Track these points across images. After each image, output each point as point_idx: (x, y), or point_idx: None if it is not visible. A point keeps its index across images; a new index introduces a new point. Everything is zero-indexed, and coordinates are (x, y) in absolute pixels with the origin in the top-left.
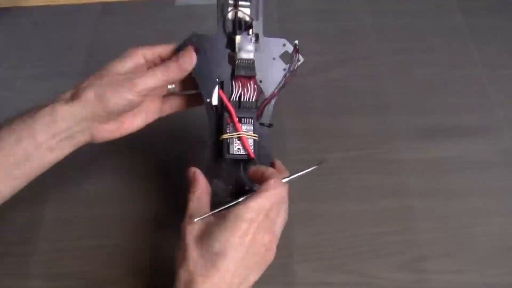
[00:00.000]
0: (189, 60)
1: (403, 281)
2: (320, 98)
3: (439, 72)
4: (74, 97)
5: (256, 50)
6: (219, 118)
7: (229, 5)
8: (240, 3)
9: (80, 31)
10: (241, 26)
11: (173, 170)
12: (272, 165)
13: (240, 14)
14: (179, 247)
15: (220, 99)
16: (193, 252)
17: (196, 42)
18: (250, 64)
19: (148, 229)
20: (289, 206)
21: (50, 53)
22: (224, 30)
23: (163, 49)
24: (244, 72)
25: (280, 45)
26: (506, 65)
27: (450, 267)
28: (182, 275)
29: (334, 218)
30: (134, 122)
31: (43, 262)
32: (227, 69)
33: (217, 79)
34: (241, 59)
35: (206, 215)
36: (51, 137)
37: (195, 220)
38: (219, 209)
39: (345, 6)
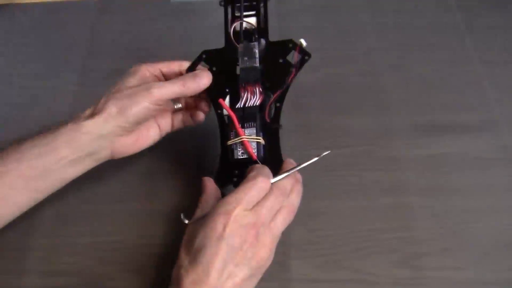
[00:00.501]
0: (206, 79)
1: (401, 278)
2: (319, 95)
3: (437, 70)
4: (96, 112)
5: (262, 55)
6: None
7: (235, 16)
8: (246, 13)
9: (78, 28)
10: (247, 35)
11: (173, 168)
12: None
13: (245, 25)
14: None
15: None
16: (182, 251)
17: (206, 57)
18: (254, 71)
19: (146, 225)
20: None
21: (48, 50)
22: (231, 41)
23: (164, 65)
24: (249, 79)
25: (286, 47)
26: (503, 63)
27: (448, 264)
28: (173, 272)
29: (332, 215)
30: (149, 136)
31: (40, 259)
32: (237, 78)
33: (226, 90)
34: (246, 67)
35: (195, 217)
36: (73, 152)
37: (186, 222)
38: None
39: (344, 4)
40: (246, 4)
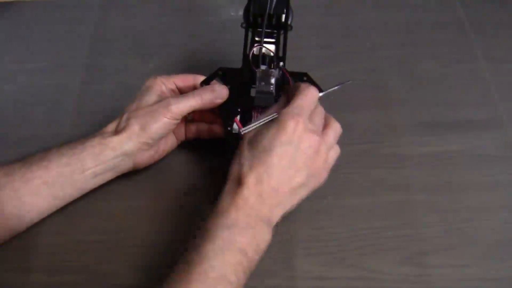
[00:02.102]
0: (224, 93)
1: (406, 276)
2: None
3: (441, 66)
4: (120, 130)
5: (277, 82)
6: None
7: (255, 41)
8: (265, 39)
9: (83, 25)
10: (264, 60)
11: (181, 167)
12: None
13: (264, 50)
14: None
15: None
16: (245, 150)
17: (221, 74)
18: (269, 96)
19: (153, 223)
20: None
21: (52, 46)
22: (248, 64)
23: (179, 79)
24: (263, 103)
25: (300, 79)
26: (507, 59)
27: (453, 262)
28: (234, 168)
29: (337, 213)
30: (167, 145)
31: (45, 256)
32: (249, 99)
33: (238, 109)
34: (261, 91)
35: (254, 124)
36: (97, 164)
37: (243, 130)
38: (266, 118)
39: (348, 1)
40: (267, 30)
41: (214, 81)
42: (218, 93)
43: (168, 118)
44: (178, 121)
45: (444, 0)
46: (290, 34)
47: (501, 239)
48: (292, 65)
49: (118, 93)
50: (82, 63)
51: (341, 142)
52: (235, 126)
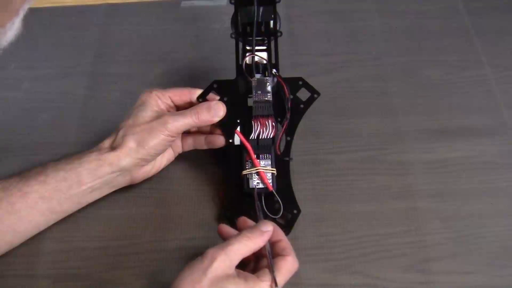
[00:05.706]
0: (221, 111)
1: (410, 283)
2: (327, 98)
3: (446, 73)
4: (117, 146)
5: (273, 90)
6: (240, 156)
7: (246, 50)
8: (257, 47)
9: (88, 32)
10: (258, 69)
11: (185, 174)
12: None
13: (257, 59)
14: None
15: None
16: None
17: (217, 87)
18: (267, 105)
19: (156, 230)
20: None
21: (57, 53)
22: (243, 74)
23: (175, 94)
24: (262, 112)
25: (296, 84)
26: None
27: (457, 269)
28: None
29: (341, 219)
30: (164, 159)
31: (50, 263)
32: (248, 110)
33: (238, 121)
34: (259, 100)
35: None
36: (94, 180)
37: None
38: None
39: (353, 8)
40: (257, 38)
41: (211, 94)
42: (215, 112)
43: (165, 136)
44: (175, 138)
45: (449, 7)
46: (294, 40)
47: (506, 246)
48: (296, 72)
49: (123, 100)
50: (87, 70)
51: (346, 148)
52: (236, 137)
